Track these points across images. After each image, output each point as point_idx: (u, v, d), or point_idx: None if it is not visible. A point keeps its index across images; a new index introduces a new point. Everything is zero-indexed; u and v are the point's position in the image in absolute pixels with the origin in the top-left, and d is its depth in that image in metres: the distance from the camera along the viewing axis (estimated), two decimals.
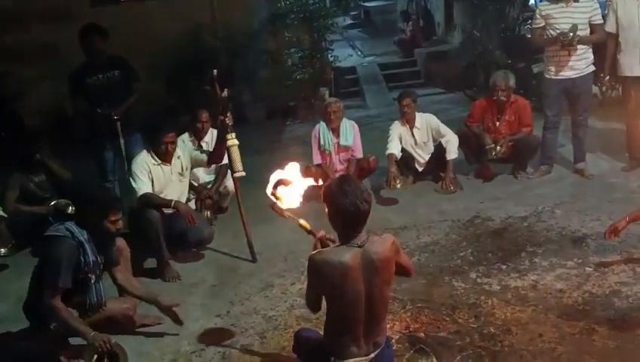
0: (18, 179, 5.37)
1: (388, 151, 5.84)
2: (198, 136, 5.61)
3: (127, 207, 4.98)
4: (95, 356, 3.36)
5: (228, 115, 4.68)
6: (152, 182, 4.72)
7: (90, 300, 3.53)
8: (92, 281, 3.53)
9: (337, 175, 5.77)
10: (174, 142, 4.83)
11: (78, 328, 3.39)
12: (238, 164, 4.78)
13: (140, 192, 4.63)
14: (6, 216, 5.20)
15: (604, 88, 7.76)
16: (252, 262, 4.78)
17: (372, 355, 2.60)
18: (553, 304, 3.69)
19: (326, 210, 2.59)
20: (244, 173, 4.84)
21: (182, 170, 4.91)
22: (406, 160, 6.05)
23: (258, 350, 3.54)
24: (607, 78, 6.02)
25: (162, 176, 4.79)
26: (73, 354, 3.54)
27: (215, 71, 4.65)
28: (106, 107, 5.38)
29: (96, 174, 5.73)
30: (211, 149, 5.05)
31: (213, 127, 5.37)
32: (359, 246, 2.51)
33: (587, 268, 4.07)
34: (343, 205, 2.48)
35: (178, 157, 4.88)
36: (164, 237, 4.63)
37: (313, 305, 2.71)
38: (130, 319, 3.71)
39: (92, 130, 5.58)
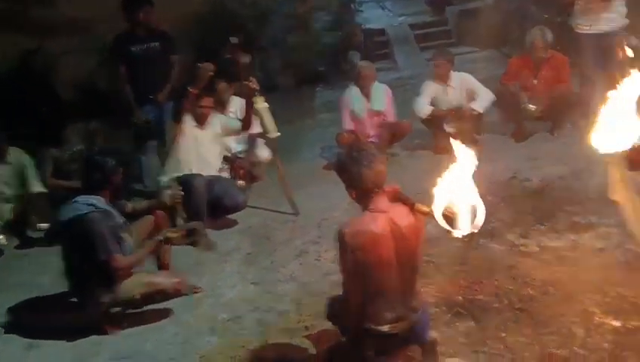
0: (51, 153, 5.44)
1: (422, 112, 5.76)
2: (220, 108, 5.57)
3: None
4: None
5: (251, 79, 4.71)
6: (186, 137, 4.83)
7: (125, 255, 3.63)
8: (125, 240, 3.63)
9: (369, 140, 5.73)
10: (210, 107, 4.94)
11: (144, 254, 3.70)
12: (270, 125, 4.81)
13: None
14: (46, 191, 5.31)
15: None
16: (294, 215, 4.88)
17: (408, 320, 2.58)
18: (593, 263, 3.61)
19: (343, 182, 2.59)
20: (278, 133, 4.88)
21: (214, 135, 5.00)
22: (438, 121, 5.90)
23: (294, 316, 3.56)
24: None
25: (198, 137, 4.90)
26: (116, 323, 3.68)
27: (233, 39, 4.75)
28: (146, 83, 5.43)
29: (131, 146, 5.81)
30: (240, 117, 5.08)
31: (236, 95, 5.40)
32: (384, 212, 2.50)
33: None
34: (358, 171, 2.48)
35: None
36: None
37: (356, 292, 2.58)
38: (180, 293, 3.79)
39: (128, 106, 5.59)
